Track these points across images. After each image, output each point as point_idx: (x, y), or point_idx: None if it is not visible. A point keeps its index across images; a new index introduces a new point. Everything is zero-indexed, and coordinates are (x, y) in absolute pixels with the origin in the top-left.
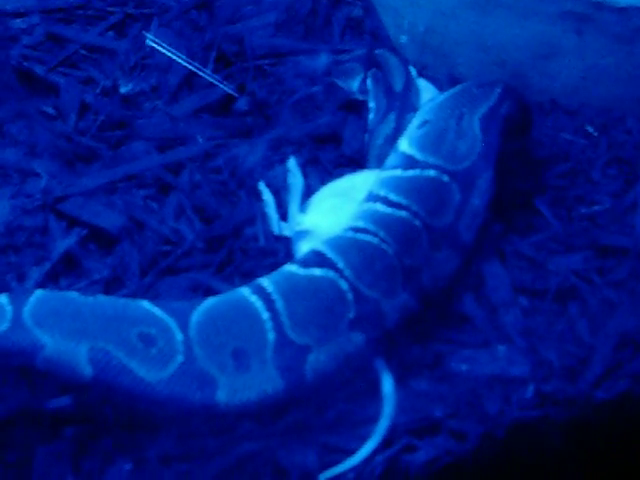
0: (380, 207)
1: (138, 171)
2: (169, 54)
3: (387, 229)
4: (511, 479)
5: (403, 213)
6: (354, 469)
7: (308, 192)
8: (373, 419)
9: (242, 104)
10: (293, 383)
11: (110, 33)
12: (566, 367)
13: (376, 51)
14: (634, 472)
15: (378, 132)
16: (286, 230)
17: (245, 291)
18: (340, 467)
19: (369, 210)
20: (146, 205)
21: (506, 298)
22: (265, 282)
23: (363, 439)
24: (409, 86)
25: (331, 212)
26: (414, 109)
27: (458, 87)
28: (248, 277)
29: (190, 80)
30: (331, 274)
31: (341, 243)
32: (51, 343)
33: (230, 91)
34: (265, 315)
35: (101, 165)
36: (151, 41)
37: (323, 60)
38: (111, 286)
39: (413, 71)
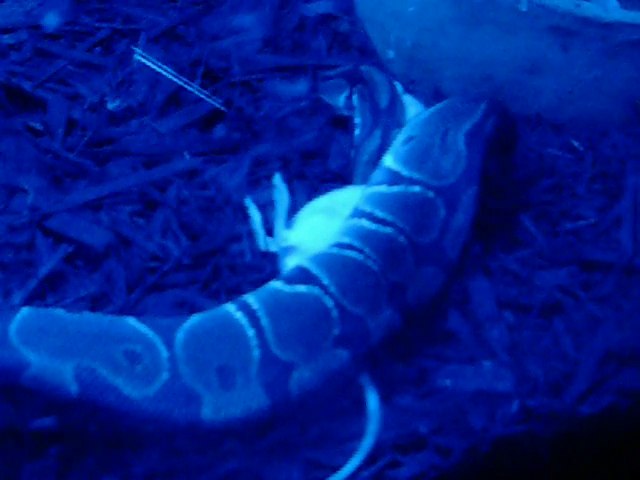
0: (365, 223)
1: (125, 187)
2: (157, 69)
3: (372, 245)
4: None
5: (388, 229)
6: None
7: (294, 208)
8: (358, 435)
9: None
10: (278, 400)
11: (97, 49)
12: (551, 382)
13: (361, 67)
14: None
15: (364, 148)
16: (272, 246)
17: (230, 308)
18: None
19: (354, 226)
20: (133, 221)
21: (491, 313)
22: (250, 299)
23: (348, 455)
24: (394, 102)
25: (317, 228)
26: (399, 125)
27: (443, 102)
28: (234, 293)
29: (177, 96)
30: (316, 291)
31: (326, 259)
32: (37, 361)
33: (218, 105)
34: (250, 332)
35: (88, 181)
36: (139, 56)
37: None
38: (97, 303)
39: (399, 87)
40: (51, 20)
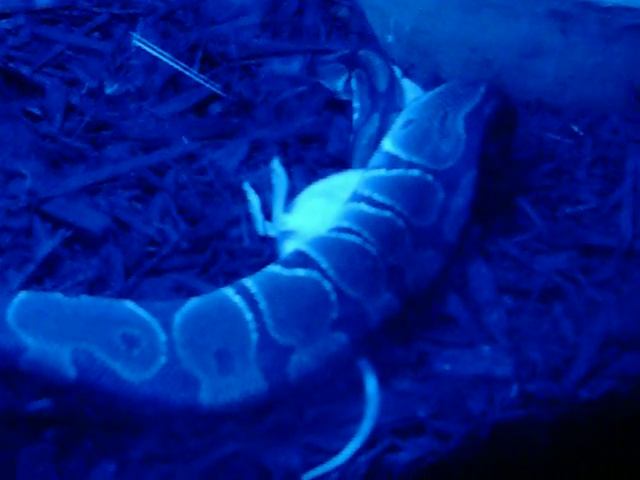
0: (364, 207)
1: (123, 172)
2: (155, 54)
3: (371, 229)
4: (495, 479)
5: (387, 213)
6: (338, 469)
7: (293, 192)
8: (357, 419)
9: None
10: (276, 383)
11: (96, 34)
12: (550, 367)
13: (360, 51)
14: (619, 471)
15: (362, 132)
16: (271, 230)
17: (228, 291)
18: (324, 467)
19: (353, 210)
20: (131, 206)
21: (490, 298)
22: (248, 282)
23: (347, 439)
24: (393, 86)
25: (315, 212)
26: (398, 109)
27: (442, 86)
28: (233, 277)
29: (176, 80)
30: (314, 274)
31: (325, 243)
32: (34, 345)
33: (216, 90)
34: (248, 316)
35: (86, 166)
36: (137, 41)
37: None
38: (95, 287)
39: (398, 71)
40: None
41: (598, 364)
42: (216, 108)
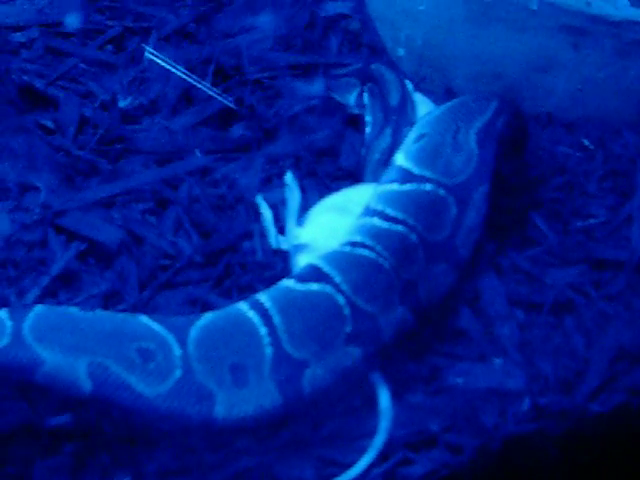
0: (377, 221)
1: (137, 185)
2: (168, 67)
3: (384, 243)
4: None
5: (400, 227)
6: None
7: (306, 206)
8: (370, 433)
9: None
10: (291, 397)
11: (109, 47)
12: (562, 380)
13: (372, 65)
14: None
15: (375, 146)
16: (284, 244)
17: (243, 306)
18: None
19: (366, 224)
20: (144, 219)
21: (502, 311)
22: (262, 297)
23: (360, 453)
24: (405, 100)
25: (328, 226)
26: (410, 123)
27: (454, 101)
28: (246, 291)
29: (189, 94)
30: (328, 289)
31: (338, 257)
32: (51, 358)
33: (229, 104)
34: (263, 330)
35: (100, 179)
36: (150, 54)
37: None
38: (110, 300)
39: (409, 85)
40: (73, 20)
41: (609, 377)
42: (229, 122)
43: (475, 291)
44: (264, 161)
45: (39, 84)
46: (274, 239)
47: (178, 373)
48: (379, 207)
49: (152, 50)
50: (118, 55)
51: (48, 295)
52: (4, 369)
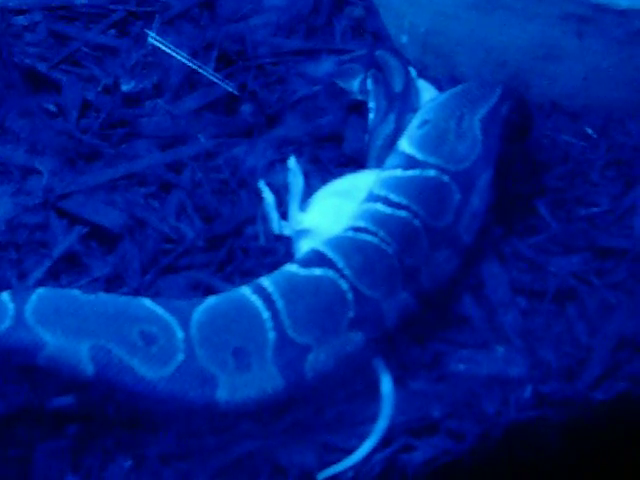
0: (380, 207)
1: (139, 169)
2: (171, 52)
3: (387, 229)
4: (509, 479)
5: (403, 213)
6: (352, 468)
7: (309, 191)
8: (372, 418)
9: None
10: (293, 382)
11: (112, 31)
12: (564, 368)
13: (376, 52)
14: (631, 473)
15: (378, 132)
16: (286, 229)
17: (246, 291)
18: (338, 466)
19: (369, 210)
20: (147, 203)
21: (505, 299)
22: (265, 282)
23: (362, 438)
24: (409, 87)
25: (331, 211)
26: (414, 110)
27: (458, 87)
28: (248, 276)
29: (192, 79)
30: (331, 274)
31: (341, 243)
32: (53, 341)
33: (231, 89)
34: (265, 314)
35: (103, 163)
36: (153, 39)
37: (326, 65)
38: (112, 284)
39: (413, 72)
40: None
41: (611, 366)
42: (233, 106)
43: (478, 278)
44: (267, 146)
45: (42, 67)
46: (277, 224)
47: (180, 357)
48: (382, 193)
49: (155, 35)
50: (121, 39)
51: (50, 278)
52: (6, 352)
